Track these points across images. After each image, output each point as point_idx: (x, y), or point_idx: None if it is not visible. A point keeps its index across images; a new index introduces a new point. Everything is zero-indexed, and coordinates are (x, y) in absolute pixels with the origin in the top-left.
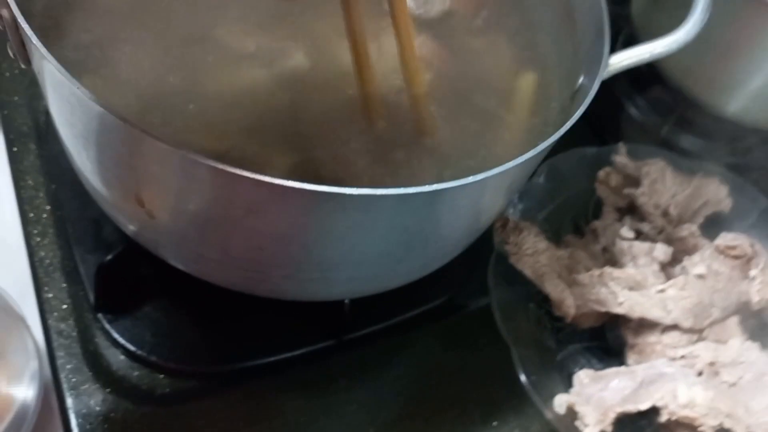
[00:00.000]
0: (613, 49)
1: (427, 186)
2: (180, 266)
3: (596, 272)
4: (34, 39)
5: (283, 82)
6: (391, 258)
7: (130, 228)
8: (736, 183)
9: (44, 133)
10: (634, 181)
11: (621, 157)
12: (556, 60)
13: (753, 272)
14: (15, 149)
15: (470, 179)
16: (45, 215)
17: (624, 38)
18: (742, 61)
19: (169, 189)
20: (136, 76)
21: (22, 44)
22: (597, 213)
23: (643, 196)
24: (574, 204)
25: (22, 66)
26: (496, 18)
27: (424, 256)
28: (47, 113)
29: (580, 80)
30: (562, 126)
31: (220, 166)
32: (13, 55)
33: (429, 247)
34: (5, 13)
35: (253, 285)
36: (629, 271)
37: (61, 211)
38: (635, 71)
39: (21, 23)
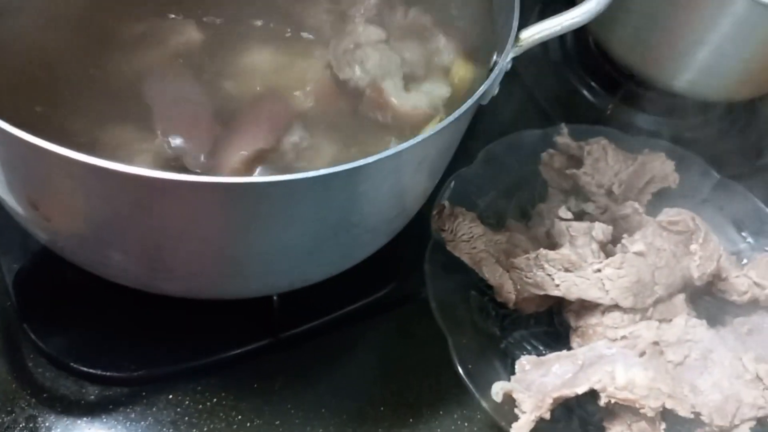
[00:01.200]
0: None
1: (314, 171)
2: (90, 269)
3: (532, 255)
4: None
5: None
6: (302, 249)
7: (38, 234)
8: (686, 157)
9: None
10: (578, 162)
11: (563, 137)
12: (475, 38)
13: (693, 246)
14: None
15: (360, 162)
16: None
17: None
18: (686, 33)
19: (52, 188)
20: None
21: None
22: (543, 196)
23: (585, 176)
24: (519, 188)
25: None
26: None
27: (341, 245)
28: None
29: (494, 58)
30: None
31: (90, 160)
32: None
33: (344, 236)
34: None
35: (164, 285)
36: (564, 251)
37: None
38: (582, 50)
39: None
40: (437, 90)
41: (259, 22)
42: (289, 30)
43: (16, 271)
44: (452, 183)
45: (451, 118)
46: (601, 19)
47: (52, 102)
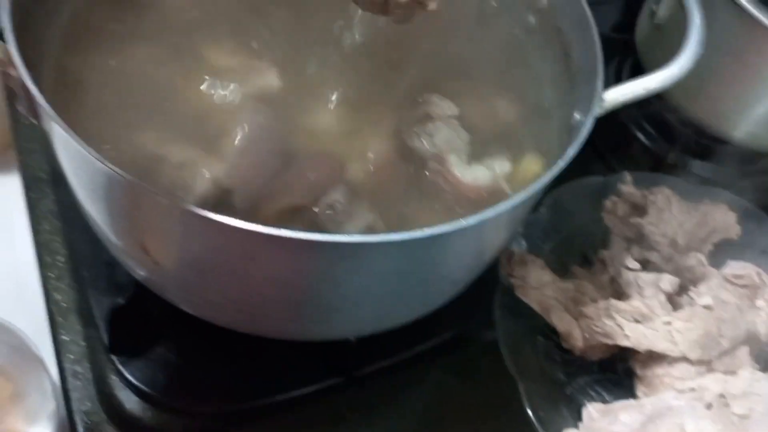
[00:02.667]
0: (620, 78)
1: (420, 231)
2: (186, 309)
3: (602, 304)
4: (42, 101)
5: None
6: (391, 299)
7: (139, 273)
8: (746, 209)
9: (60, 179)
10: (641, 210)
11: (627, 186)
12: (554, 95)
13: (760, 303)
14: (32, 195)
15: (463, 223)
16: (61, 259)
17: (630, 66)
18: (747, 86)
19: (170, 238)
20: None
21: (31, 103)
22: (606, 242)
23: (650, 225)
24: (581, 234)
25: (33, 121)
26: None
27: (425, 295)
28: None
29: (576, 116)
30: (554, 165)
31: (213, 216)
32: (23, 111)
33: (430, 287)
34: (13, 72)
35: (257, 327)
36: (635, 303)
37: (76, 255)
38: None
39: (29, 86)
40: (498, 165)
41: (337, 84)
42: (364, 97)
43: (106, 304)
44: (525, 229)
45: (549, 176)
46: None
47: (135, 118)
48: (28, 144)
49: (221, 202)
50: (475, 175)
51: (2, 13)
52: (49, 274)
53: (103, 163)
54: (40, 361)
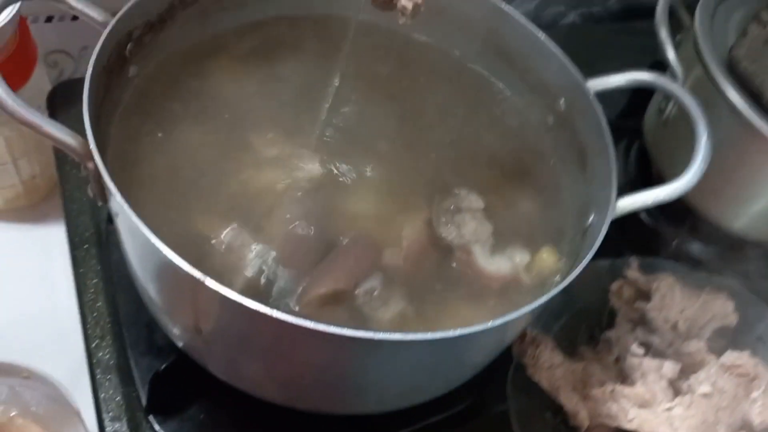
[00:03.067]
0: (628, 158)
1: (451, 331)
2: (225, 379)
3: (608, 388)
4: (119, 197)
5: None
6: (417, 383)
7: (184, 344)
8: (744, 296)
9: (105, 239)
10: (645, 295)
11: (633, 271)
12: (570, 197)
13: (755, 394)
14: (77, 253)
15: (489, 324)
16: (103, 318)
17: (637, 149)
18: (745, 184)
19: (226, 326)
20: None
21: (102, 189)
22: (611, 322)
23: (653, 310)
24: (589, 313)
25: (98, 203)
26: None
27: (448, 378)
28: (108, 220)
29: (591, 219)
30: (573, 268)
31: (274, 314)
32: (92, 195)
33: (453, 372)
34: (90, 165)
35: (291, 401)
36: (639, 389)
37: (118, 315)
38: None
39: (106, 180)
40: (518, 256)
41: (375, 173)
42: (398, 185)
43: (145, 366)
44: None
45: (568, 280)
46: None
47: (190, 201)
48: (74, 205)
49: (268, 284)
50: (497, 265)
51: (84, 110)
52: (92, 333)
53: (169, 255)
54: (76, 414)
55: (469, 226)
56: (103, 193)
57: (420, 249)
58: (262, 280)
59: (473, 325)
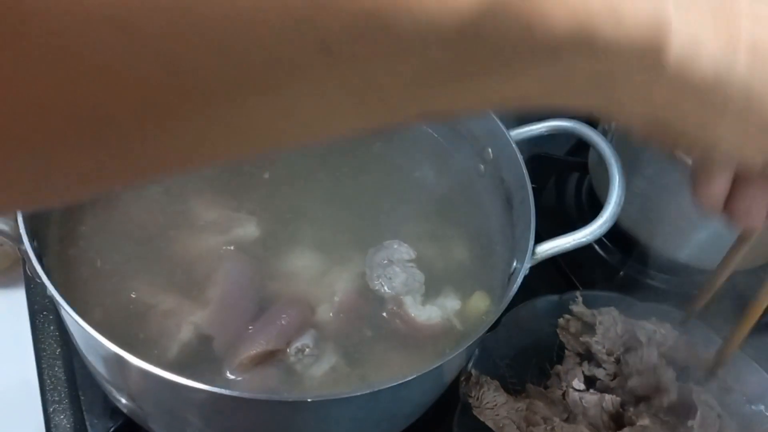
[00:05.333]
0: (580, 191)
1: (378, 384)
2: None
3: (549, 426)
4: (45, 279)
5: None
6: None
7: (127, 410)
8: (691, 325)
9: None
10: (591, 329)
11: (578, 306)
12: (499, 245)
13: (690, 422)
14: (37, 320)
15: (409, 377)
16: (61, 383)
17: (587, 186)
18: (684, 215)
19: (150, 393)
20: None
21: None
22: (561, 356)
23: (597, 344)
24: (538, 349)
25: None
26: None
27: (390, 424)
28: None
29: (514, 265)
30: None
31: (184, 381)
32: (30, 273)
33: (393, 417)
34: (22, 248)
35: None
36: (580, 427)
37: (75, 379)
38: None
39: (35, 264)
40: (449, 303)
41: (310, 231)
42: (333, 242)
43: (100, 428)
44: (476, 351)
45: (493, 318)
46: None
47: (130, 270)
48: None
49: (203, 347)
50: (428, 314)
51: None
52: (50, 397)
53: (93, 334)
54: None
55: (399, 277)
56: (37, 274)
57: (352, 302)
58: (196, 345)
59: (397, 377)
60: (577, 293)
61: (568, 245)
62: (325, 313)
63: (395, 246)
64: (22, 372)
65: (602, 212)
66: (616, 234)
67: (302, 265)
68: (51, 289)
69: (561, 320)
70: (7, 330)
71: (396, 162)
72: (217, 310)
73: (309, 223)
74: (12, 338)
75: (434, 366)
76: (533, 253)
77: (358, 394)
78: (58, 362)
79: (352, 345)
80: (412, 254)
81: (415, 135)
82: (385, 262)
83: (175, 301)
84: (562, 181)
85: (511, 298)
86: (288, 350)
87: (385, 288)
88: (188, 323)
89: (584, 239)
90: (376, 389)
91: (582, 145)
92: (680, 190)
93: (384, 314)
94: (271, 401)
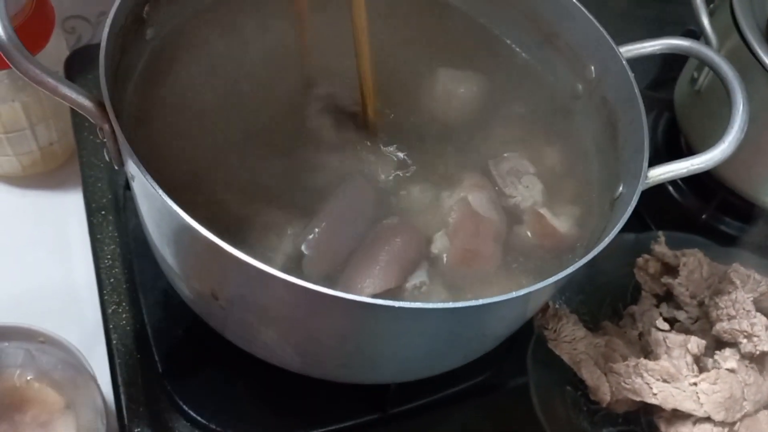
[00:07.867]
0: (656, 131)
1: (473, 301)
2: (242, 347)
3: (632, 362)
4: (134, 159)
5: None
6: (436, 354)
7: (200, 311)
8: None
9: (122, 206)
10: (672, 270)
11: (660, 246)
12: (599, 166)
13: None
14: (94, 220)
15: (513, 294)
16: (120, 284)
17: (666, 121)
18: None
19: (244, 291)
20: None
21: (118, 153)
22: (635, 297)
23: (680, 286)
24: (612, 288)
25: (115, 167)
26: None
27: (468, 350)
28: (126, 187)
29: (620, 189)
30: (600, 240)
31: (292, 280)
32: (109, 158)
33: (473, 344)
34: (106, 127)
35: (308, 369)
36: (663, 363)
37: (135, 280)
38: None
39: (121, 141)
40: (575, 212)
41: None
42: (442, 165)
43: (162, 331)
44: None
45: (599, 249)
46: None
47: (209, 172)
48: (91, 171)
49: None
50: (567, 225)
51: (100, 71)
52: (109, 299)
53: (190, 222)
54: (92, 378)
55: (537, 186)
56: (119, 157)
57: (466, 226)
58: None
59: (493, 296)
60: (660, 233)
61: (683, 170)
62: (437, 243)
63: (515, 157)
64: (80, 274)
65: (723, 138)
66: (696, 178)
67: (413, 192)
68: (138, 166)
69: (639, 260)
70: (62, 232)
71: (490, 80)
72: (325, 230)
73: (421, 149)
74: (68, 240)
75: (534, 288)
76: (646, 177)
77: (455, 306)
78: (118, 264)
79: (459, 280)
80: (531, 168)
81: (509, 52)
82: (512, 173)
83: (279, 216)
84: None
85: (621, 224)
86: (405, 286)
87: (524, 193)
88: (288, 238)
89: (702, 165)
90: (470, 304)
91: (663, 79)
92: None
93: (524, 228)
94: (364, 304)
